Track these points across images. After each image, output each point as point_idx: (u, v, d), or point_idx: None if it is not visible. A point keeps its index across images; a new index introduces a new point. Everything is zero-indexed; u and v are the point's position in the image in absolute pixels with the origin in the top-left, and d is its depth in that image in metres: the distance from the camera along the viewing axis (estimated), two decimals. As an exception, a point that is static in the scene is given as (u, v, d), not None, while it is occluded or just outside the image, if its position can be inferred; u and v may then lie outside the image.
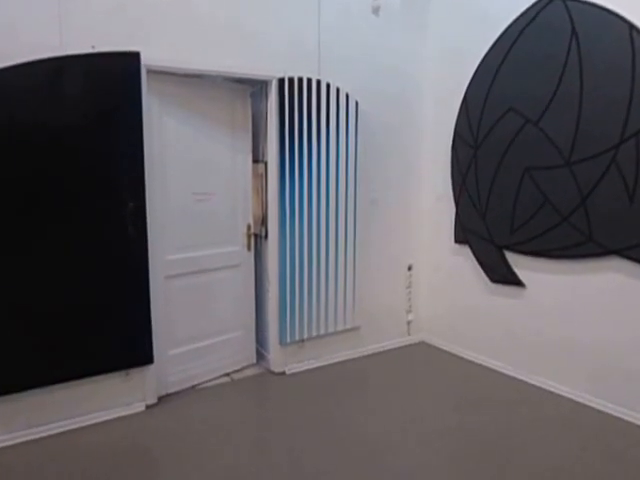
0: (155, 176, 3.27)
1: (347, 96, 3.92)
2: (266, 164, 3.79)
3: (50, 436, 2.99)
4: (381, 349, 4.44)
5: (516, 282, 3.76)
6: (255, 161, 3.90)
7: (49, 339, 2.94)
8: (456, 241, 4.22)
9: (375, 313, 4.36)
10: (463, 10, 4.07)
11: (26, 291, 2.85)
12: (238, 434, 3.04)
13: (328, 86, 3.82)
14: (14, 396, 2.90)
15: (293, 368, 3.96)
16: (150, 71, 3.16)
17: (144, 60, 3.07)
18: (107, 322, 3.10)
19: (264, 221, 3.88)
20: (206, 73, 3.41)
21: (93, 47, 2.92)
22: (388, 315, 4.48)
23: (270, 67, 3.59)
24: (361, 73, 4.05)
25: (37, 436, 2.97)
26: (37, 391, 2.96)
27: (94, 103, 2.94)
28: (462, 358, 4.23)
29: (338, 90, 3.87)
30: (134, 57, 3.03)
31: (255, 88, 3.81)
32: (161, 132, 3.33)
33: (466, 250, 4.15)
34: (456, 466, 2.72)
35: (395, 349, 4.48)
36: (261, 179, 3.87)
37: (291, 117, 3.67)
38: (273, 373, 3.89)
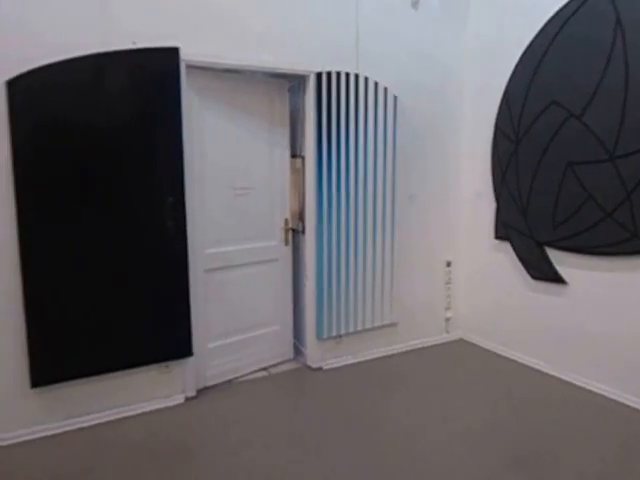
0: (194, 171, 3.24)
1: (385, 90, 3.84)
2: (304, 159, 3.78)
3: (91, 426, 3.01)
4: (419, 346, 4.34)
5: (557, 279, 3.63)
6: (293, 156, 3.89)
7: (94, 331, 2.96)
8: (496, 237, 4.11)
9: (413, 309, 4.27)
10: (504, 1, 3.98)
11: (75, 284, 2.89)
12: (274, 428, 2.99)
13: (366, 80, 3.73)
14: (61, 385, 2.95)
15: (330, 364, 3.93)
16: (189, 66, 3.13)
17: (183, 56, 3.05)
18: (148, 314, 3.09)
19: (301, 216, 3.88)
20: (244, 68, 3.36)
21: (134, 43, 2.91)
22: (426, 311, 4.38)
23: (308, 62, 3.52)
24: (400, 67, 3.93)
25: (78, 426, 3.00)
26: (82, 381, 3.00)
27: (134, 98, 2.93)
28: (501, 356, 4.11)
29: (376, 84, 3.78)
30: (174, 53, 3.01)
31: (293, 83, 3.79)
32: (200, 127, 3.30)
33: (506, 246, 4.03)
34: (493, 466, 2.59)
35: (433, 346, 4.38)
36: (299, 174, 3.86)
37: (328, 111, 3.60)
38: (310, 368, 3.87)
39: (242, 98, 3.54)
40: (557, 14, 3.48)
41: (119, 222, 2.98)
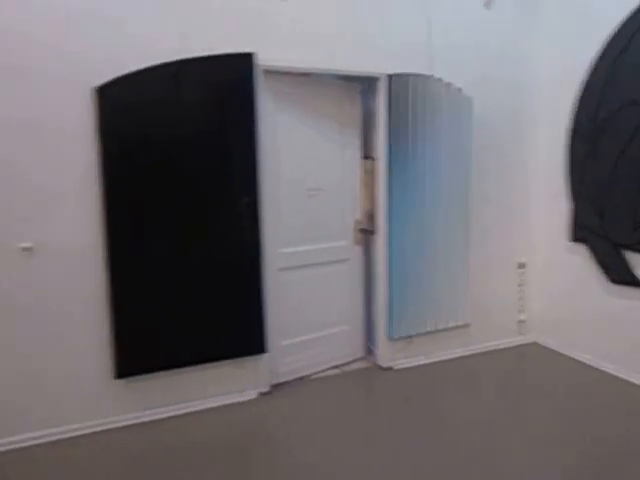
0: (268, 172, 3.28)
1: (459, 91, 3.74)
2: (375, 160, 3.74)
3: (168, 418, 3.10)
4: (492, 348, 4.18)
5: (636, 283, 3.41)
6: (364, 157, 3.87)
7: (174, 327, 3.05)
8: (572, 239, 3.90)
9: (486, 311, 4.12)
10: (583, -8, 3.77)
11: (156, 283, 2.99)
12: (345, 426, 2.97)
13: (439, 81, 3.63)
14: (142, 377, 3.06)
15: (401, 364, 3.85)
16: (264, 71, 3.17)
17: (258, 61, 3.09)
18: (224, 312, 3.15)
19: (372, 216, 3.84)
20: (317, 72, 3.37)
21: (210, 50, 3.00)
22: (499, 313, 4.20)
23: (379, 64, 3.47)
24: (473, 67, 3.81)
25: (157, 417, 3.10)
26: (161, 374, 3.10)
27: (212, 103, 3.00)
28: (577, 361, 3.86)
29: (450, 85, 3.69)
30: (249, 58, 3.05)
31: (365, 85, 3.77)
32: (274, 130, 3.33)
33: (583, 249, 3.79)
34: (573, 468, 2.46)
35: (506, 349, 4.20)
36: (370, 175, 3.82)
37: (401, 113, 3.53)
38: (381, 368, 3.81)
39: (314, 101, 3.55)
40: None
41: (197, 223, 3.06)
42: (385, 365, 3.81)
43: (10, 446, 2.84)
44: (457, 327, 4.01)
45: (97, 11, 2.81)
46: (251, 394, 3.36)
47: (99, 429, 3.01)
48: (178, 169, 2.99)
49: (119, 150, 2.87)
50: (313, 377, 3.70)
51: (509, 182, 4.13)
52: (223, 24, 3.08)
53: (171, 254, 3.02)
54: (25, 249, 2.79)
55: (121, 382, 3.04)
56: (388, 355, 3.82)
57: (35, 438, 2.89)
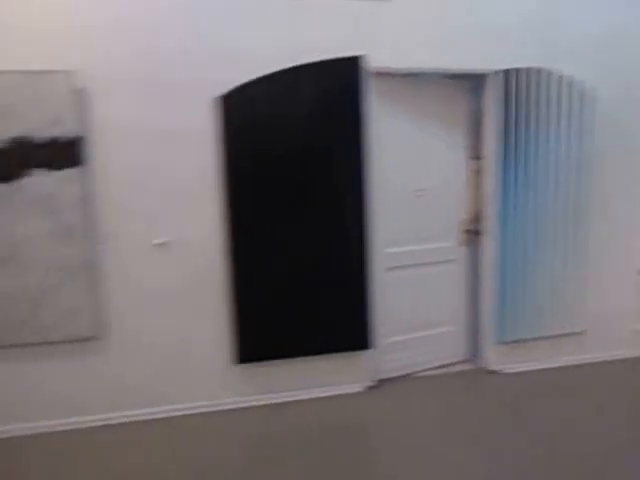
0: (375, 173, 3.34)
1: (575, 84, 3.54)
2: (484, 160, 3.66)
3: (281, 403, 3.27)
4: (607, 358, 3.90)
5: None
6: (472, 157, 3.80)
7: (290, 320, 3.20)
8: None
9: (601, 318, 3.84)
10: None
11: (274, 279, 3.16)
12: (447, 425, 2.94)
13: (553, 75, 3.47)
14: (260, 364, 3.25)
15: (508, 368, 3.72)
16: (371, 73, 3.23)
17: (366, 63, 3.15)
18: (334, 308, 3.25)
19: (479, 217, 3.76)
20: (427, 71, 3.38)
21: (320, 54, 3.11)
22: (616, 322, 3.90)
23: (488, 60, 3.40)
24: (592, 58, 3.59)
25: (271, 401, 3.28)
26: (277, 362, 3.27)
27: (322, 106, 3.11)
28: None
29: (567, 79, 3.50)
30: (357, 61, 3.13)
31: (473, 83, 3.71)
32: (381, 131, 3.39)
33: None
34: None
35: (623, 360, 3.89)
36: (477, 175, 3.75)
37: (512, 111, 3.42)
38: (486, 371, 3.71)
39: (420, 101, 3.55)
40: None
41: (309, 223, 3.18)
42: (491, 368, 3.71)
43: (151, 416, 3.16)
44: (569, 334, 3.80)
45: (217, 27, 3.03)
46: (357, 387, 3.43)
47: (220, 408, 3.23)
48: (290, 169, 3.13)
49: (238, 153, 3.07)
50: (417, 375, 3.69)
51: (634, 183, 3.84)
52: (331, 29, 3.18)
53: (285, 252, 3.16)
54: (159, 245, 3.06)
55: (241, 367, 3.23)
56: (495, 358, 3.71)
57: (171, 410, 3.16)
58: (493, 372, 3.69)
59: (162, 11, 2.97)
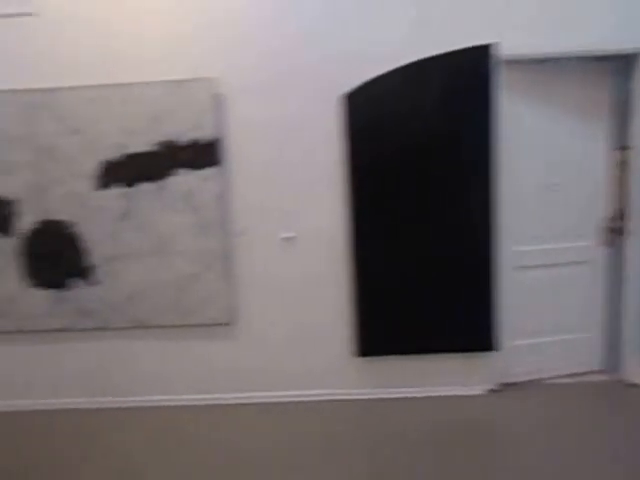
0: (504, 167, 3.15)
1: None
2: (630, 151, 3.27)
3: (397, 398, 3.25)
4: None
5: None
6: (616, 148, 3.42)
7: (409, 317, 3.17)
8: None
9: None
10: None
11: (394, 275, 3.15)
12: (582, 441, 2.70)
13: None
14: (378, 358, 3.26)
15: (653, 382, 3.35)
16: (500, 61, 3.04)
17: (495, 51, 2.98)
18: (457, 306, 3.15)
19: (622, 215, 3.38)
20: (562, 55, 3.09)
21: (448, 46, 2.98)
22: None
23: (637, 39, 3.04)
24: None
25: (387, 396, 3.28)
26: (395, 357, 3.26)
27: (447, 99, 3.01)
28: None
29: None
30: (485, 50, 2.97)
31: (618, 65, 3.30)
32: (510, 121, 3.17)
33: None
34: None
35: None
36: (622, 168, 3.37)
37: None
38: (625, 384, 3.35)
39: (555, 88, 3.27)
40: None
41: (433, 219, 3.11)
42: (632, 381, 3.34)
43: (271, 399, 3.33)
44: None
45: (342, 26, 3.05)
46: (478, 389, 3.29)
47: (337, 398, 3.29)
48: (415, 164, 3.08)
49: (363, 149, 3.08)
50: (545, 382, 3.45)
51: None
52: (458, 18, 3.05)
53: (407, 248, 3.12)
54: (287, 239, 3.18)
55: (361, 360, 3.27)
56: (636, 371, 3.34)
57: (290, 396, 3.31)
58: (634, 385, 3.32)
59: (288, 15, 3.07)
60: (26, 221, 3.20)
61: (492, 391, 3.30)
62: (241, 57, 3.10)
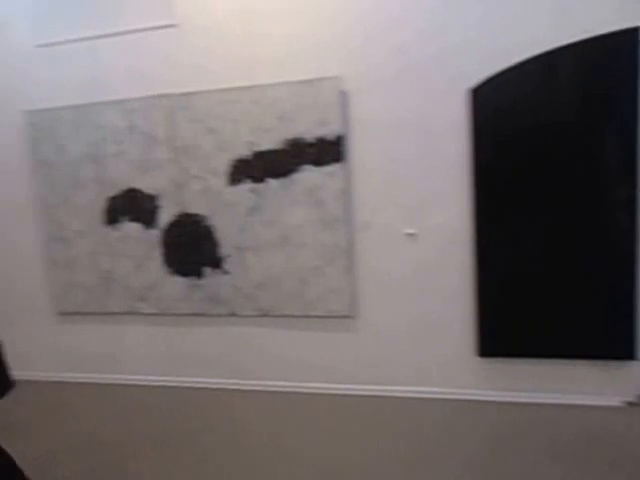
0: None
1: None
2: None
3: (522, 403, 3.07)
4: None
5: None
6: None
7: (538, 317, 3.00)
8: None
9: None
10: None
11: (521, 273, 3.00)
12: None
13: None
14: (503, 359, 3.12)
15: None
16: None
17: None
18: (591, 310, 2.92)
19: None
20: None
21: (586, 32, 2.77)
22: None
23: None
24: None
25: (511, 400, 3.10)
26: (521, 360, 3.09)
27: (585, 90, 2.78)
28: None
29: None
30: (634, 34, 2.70)
31: None
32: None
33: None
34: None
35: None
36: None
37: None
38: None
39: None
40: None
41: (568, 217, 2.89)
42: None
43: (389, 393, 3.30)
44: None
45: (467, 18, 2.92)
46: (614, 401, 3.02)
47: (454, 397, 3.21)
48: (548, 161, 2.89)
49: (490, 145, 2.95)
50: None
51: None
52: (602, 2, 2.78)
53: (537, 245, 2.94)
54: (409, 234, 3.14)
55: (483, 360, 3.15)
56: None
57: (406, 391, 3.27)
58: None
59: (412, 8, 3.01)
60: (167, 214, 3.46)
61: (630, 404, 3.00)
62: (364, 54, 3.10)
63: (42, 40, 3.56)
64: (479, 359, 3.16)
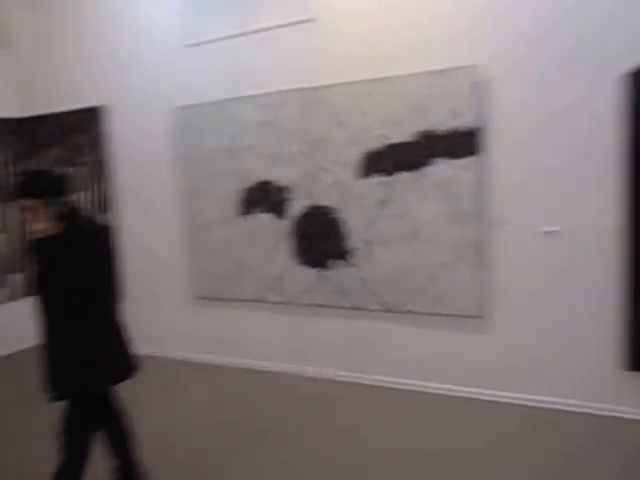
0: None
1: None
2: None
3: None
4: None
5: None
6: None
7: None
8: None
9: None
10: None
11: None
12: None
13: None
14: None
15: None
16: None
17: None
18: None
19: None
20: None
21: None
22: None
23: None
24: None
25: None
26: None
27: None
28: None
29: None
30: None
31: None
32: None
33: None
34: None
35: None
36: None
37: None
38: None
39: None
40: None
41: None
42: None
43: (517, 401, 3.07)
44: None
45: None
46: None
47: (593, 412, 2.93)
48: None
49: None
50: None
51: None
52: None
53: None
54: (549, 232, 2.89)
55: (631, 374, 2.82)
56: None
57: (537, 401, 3.03)
58: None
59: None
60: (297, 205, 3.52)
61: None
62: (507, 42, 2.90)
63: (190, 40, 3.78)
64: (626, 373, 2.83)
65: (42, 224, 1.98)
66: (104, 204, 4.27)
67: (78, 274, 1.95)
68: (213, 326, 4.01)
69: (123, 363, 2.15)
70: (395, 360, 3.40)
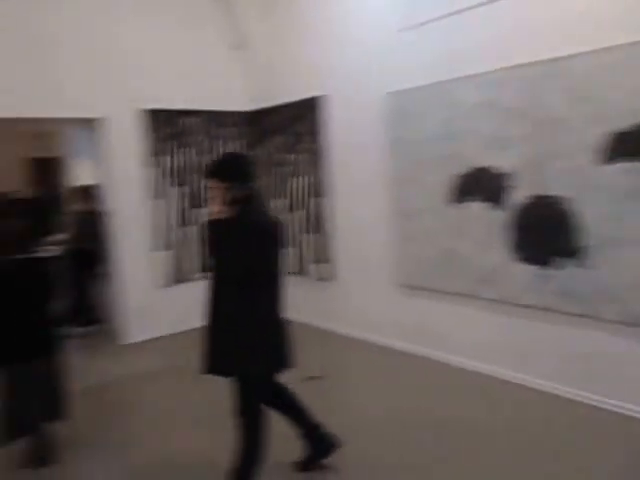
0: None
1: None
2: None
3: None
4: None
5: None
6: None
7: None
8: None
9: None
10: None
11: None
12: None
13: None
14: None
15: None
16: None
17: None
18: None
19: None
20: None
21: None
22: None
23: None
24: None
25: None
26: None
27: None
28: None
29: None
30: None
31: None
32: None
33: None
34: None
35: None
36: None
37: None
38: None
39: None
40: None
41: None
42: None
43: None
44: None
45: None
46: None
47: None
48: None
49: None
50: None
51: None
52: None
53: None
54: None
55: None
56: None
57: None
58: None
59: None
60: (518, 195, 3.09)
61: None
62: None
63: (403, 24, 3.61)
64: None
65: (218, 206, 2.00)
66: (320, 189, 4.39)
67: (241, 259, 1.94)
68: (414, 315, 3.83)
69: (284, 353, 2.14)
70: (631, 384, 2.76)
